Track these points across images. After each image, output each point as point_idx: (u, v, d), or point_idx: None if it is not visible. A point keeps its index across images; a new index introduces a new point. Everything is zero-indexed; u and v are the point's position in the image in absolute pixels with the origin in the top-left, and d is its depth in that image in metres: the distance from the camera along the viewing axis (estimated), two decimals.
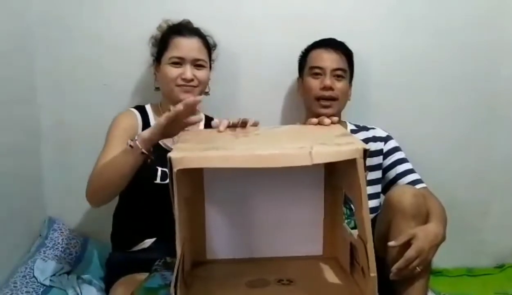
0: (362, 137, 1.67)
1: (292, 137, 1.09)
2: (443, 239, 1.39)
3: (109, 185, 1.35)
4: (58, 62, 1.76)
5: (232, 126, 1.15)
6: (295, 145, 0.95)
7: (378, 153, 1.68)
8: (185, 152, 0.95)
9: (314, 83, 1.64)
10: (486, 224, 1.95)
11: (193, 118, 1.23)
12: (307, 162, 0.88)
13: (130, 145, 1.28)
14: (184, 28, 1.59)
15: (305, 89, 1.67)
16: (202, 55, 1.57)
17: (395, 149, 1.68)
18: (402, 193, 1.37)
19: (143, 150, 1.26)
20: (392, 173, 1.65)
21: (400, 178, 1.63)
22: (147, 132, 1.27)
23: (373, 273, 0.91)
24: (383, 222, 1.39)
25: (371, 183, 1.65)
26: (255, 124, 1.18)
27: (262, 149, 0.95)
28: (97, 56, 1.76)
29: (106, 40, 1.75)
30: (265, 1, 1.79)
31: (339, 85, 1.64)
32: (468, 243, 1.95)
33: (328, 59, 1.64)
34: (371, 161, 1.66)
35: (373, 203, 1.63)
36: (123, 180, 1.33)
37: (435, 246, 1.34)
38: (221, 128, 1.13)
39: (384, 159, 1.67)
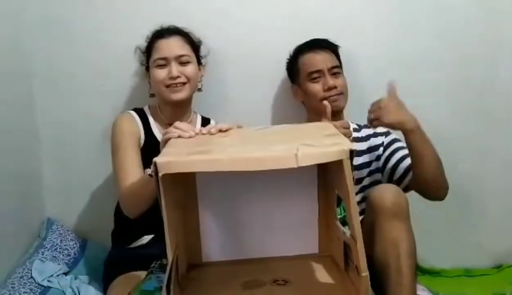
0: (365, 135, 1.72)
1: (279, 139, 1.09)
2: (412, 125, 1.48)
3: (143, 205, 1.37)
4: (56, 64, 1.76)
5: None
6: (282, 147, 0.95)
7: (379, 146, 1.71)
8: (171, 156, 0.95)
9: (317, 87, 1.66)
10: (484, 225, 1.95)
11: None
12: (292, 164, 0.88)
13: (150, 175, 1.29)
14: (163, 30, 1.61)
15: (308, 95, 1.68)
16: (184, 50, 1.58)
17: (395, 140, 1.71)
18: (383, 192, 1.37)
19: None
20: (392, 160, 1.66)
21: (399, 163, 1.64)
22: None
23: (365, 272, 0.91)
24: (368, 222, 1.40)
25: (370, 173, 1.69)
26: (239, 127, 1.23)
27: (248, 152, 0.95)
28: (95, 57, 1.76)
29: (104, 41, 1.75)
30: (261, 1, 1.79)
31: (339, 81, 1.67)
32: (466, 243, 1.95)
33: (322, 61, 1.66)
34: (372, 156, 1.70)
35: None
36: (155, 199, 1.35)
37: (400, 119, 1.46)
38: (204, 131, 1.16)
39: (384, 150, 1.69)
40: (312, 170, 1.14)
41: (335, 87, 1.65)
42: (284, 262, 1.17)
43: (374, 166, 1.70)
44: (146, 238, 1.57)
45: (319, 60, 1.66)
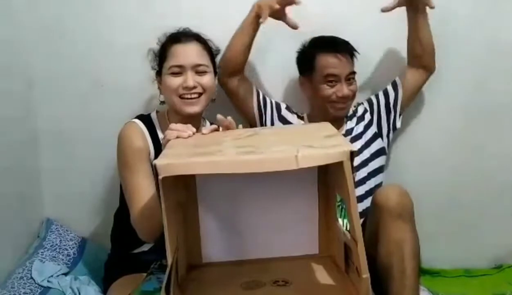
0: (355, 119, 1.76)
1: (279, 140, 1.09)
2: None
3: (160, 226, 1.16)
4: (56, 64, 1.76)
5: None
6: (282, 148, 0.95)
7: (363, 114, 1.76)
8: (171, 158, 0.95)
9: (330, 92, 1.66)
10: (484, 225, 1.95)
11: None
12: (293, 166, 0.88)
13: None
14: (181, 35, 1.51)
15: (319, 95, 1.68)
16: (202, 60, 1.49)
17: (372, 98, 1.78)
18: (388, 193, 1.39)
19: None
20: (381, 102, 1.76)
21: (387, 91, 1.76)
22: None
23: (365, 274, 0.91)
24: (372, 222, 1.41)
25: (368, 143, 1.73)
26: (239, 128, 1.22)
27: (248, 153, 0.95)
28: (95, 58, 1.76)
29: (104, 41, 1.76)
30: None
31: (352, 87, 1.68)
32: (466, 243, 1.95)
33: (342, 66, 1.64)
34: (359, 127, 1.74)
35: (377, 162, 1.75)
36: None
37: None
38: (205, 131, 1.17)
39: (371, 112, 1.76)
40: (312, 171, 1.14)
41: (348, 96, 1.66)
42: (284, 262, 1.17)
43: (370, 133, 1.74)
44: (146, 246, 1.53)
45: (340, 65, 1.64)
